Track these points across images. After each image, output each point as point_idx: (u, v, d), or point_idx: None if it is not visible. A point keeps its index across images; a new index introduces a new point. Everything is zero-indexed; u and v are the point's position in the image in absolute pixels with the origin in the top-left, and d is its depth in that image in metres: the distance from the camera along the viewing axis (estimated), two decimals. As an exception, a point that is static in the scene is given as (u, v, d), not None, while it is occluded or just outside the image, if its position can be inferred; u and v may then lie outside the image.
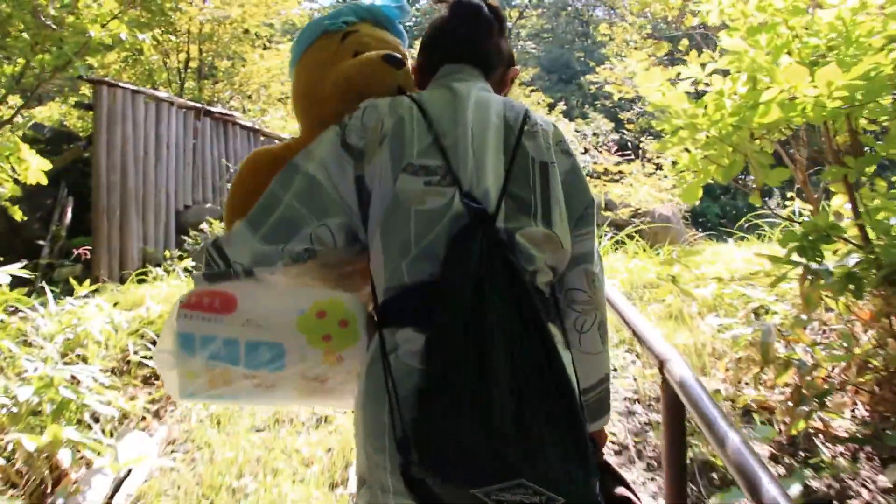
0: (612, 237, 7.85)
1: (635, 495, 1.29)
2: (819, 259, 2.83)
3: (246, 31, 10.07)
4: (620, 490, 1.29)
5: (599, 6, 27.67)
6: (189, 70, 9.73)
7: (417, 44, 1.55)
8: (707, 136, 3.06)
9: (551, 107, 20.91)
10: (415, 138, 1.20)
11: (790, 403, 3.06)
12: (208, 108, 8.04)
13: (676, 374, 1.63)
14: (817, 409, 2.93)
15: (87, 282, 5.12)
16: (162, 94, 7.69)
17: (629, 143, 21.96)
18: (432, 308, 1.06)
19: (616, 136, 21.14)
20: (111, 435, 3.34)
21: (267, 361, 1.20)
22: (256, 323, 1.19)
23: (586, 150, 20.64)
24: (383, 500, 1.10)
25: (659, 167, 14.70)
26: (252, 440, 3.07)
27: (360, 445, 1.15)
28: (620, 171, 14.34)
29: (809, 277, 3.03)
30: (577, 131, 21.14)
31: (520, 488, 0.97)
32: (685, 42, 4.97)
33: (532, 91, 20.87)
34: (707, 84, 3.17)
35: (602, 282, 1.30)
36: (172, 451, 3.22)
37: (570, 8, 27.88)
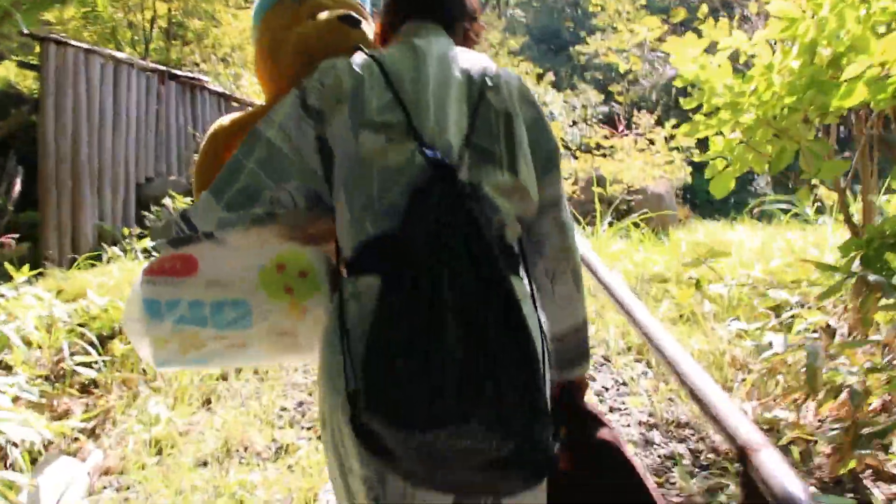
0: (610, 222, 7.31)
1: (617, 440, 1.28)
2: (890, 272, 2.33)
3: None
4: (603, 432, 1.29)
5: (590, -26, 26.88)
6: (156, 29, 8.95)
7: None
8: (753, 118, 2.53)
9: (540, 77, 20.28)
10: (374, 95, 1.17)
11: (842, 440, 2.58)
12: (174, 70, 7.34)
13: (776, 481, 1.11)
14: (877, 451, 2.46)
15: (27, 267, 4.52)
16: (120, 54, 6.96)
17: (619, 116, 21.36)
18: (391, 259, 1.05)
19: (605, 109, 20.58)
20: (34, 462, 2.80)
21: (233, 320, 1.21)
22: (219, 282, 1.20)
23: (575, 123, 20.09)
24: (340, 440, 1.10)
25: (651, 142, 14.21)
26: (194, 479, 2.54)
27: (320, 386, 1.16)
28: (612, 147, 13.80)
29: (865, 290, 2.55)
30: (566, 102, 20.54)
31: (468, 434, 0.96)
32: (704, 8, 4.40)
33: (521, 61, 20.21)
34: (752, 56, 2.64)
35: (571, 228, 1.29)
36: (103, 487, 2.68)
37: (560, -25, 27.12)
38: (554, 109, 19.88)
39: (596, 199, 7.77)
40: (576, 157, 13.44)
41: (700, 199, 17.50)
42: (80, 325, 3.76)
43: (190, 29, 9.09)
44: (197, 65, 9.09)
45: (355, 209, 1.13)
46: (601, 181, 12.33)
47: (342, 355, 1.07)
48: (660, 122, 13.86)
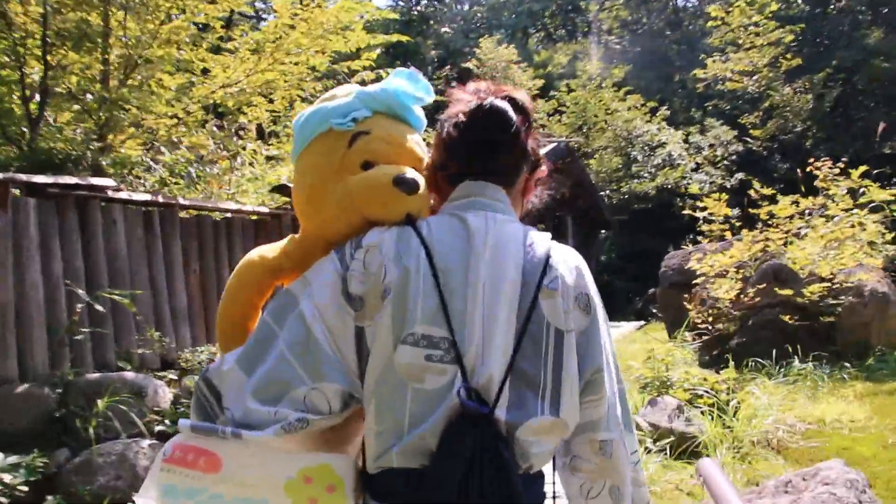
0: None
1: None
2: None
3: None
4: None
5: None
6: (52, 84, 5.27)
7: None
8: None
9: (654, 111, 16.16)
10: (419, 299, 1.12)
11: None
12: (28, 178, 3.75)
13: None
14: None
15: None
16: None
17: (755, 157, 16.78)
18: (418, 498, 1.08)
19: (739, 148, 16.19)
20: None
21: None
22: (243, 484, 1.17)
23: (698, 166, 15.79)
24: None
25: (830, 197, 9.85)
26: None
27: None
28: (784, 212, 9.44)
29: None
30: (688, 143, 16.25)
31: None
32: None
33: (627, 93, 16.12)
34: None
35: (618, 448, 1.19)
36: None
37: (658, -6, 23.13)
38: (673, 151, 15.70)
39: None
40: (733, 231, 9.22)
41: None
42: None
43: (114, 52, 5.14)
44: (154, 139, 5.54)
45: (383, 428, 1.12)
46: (784, 275, 8.11)
47: None
48: (844, 171, 9.42)
